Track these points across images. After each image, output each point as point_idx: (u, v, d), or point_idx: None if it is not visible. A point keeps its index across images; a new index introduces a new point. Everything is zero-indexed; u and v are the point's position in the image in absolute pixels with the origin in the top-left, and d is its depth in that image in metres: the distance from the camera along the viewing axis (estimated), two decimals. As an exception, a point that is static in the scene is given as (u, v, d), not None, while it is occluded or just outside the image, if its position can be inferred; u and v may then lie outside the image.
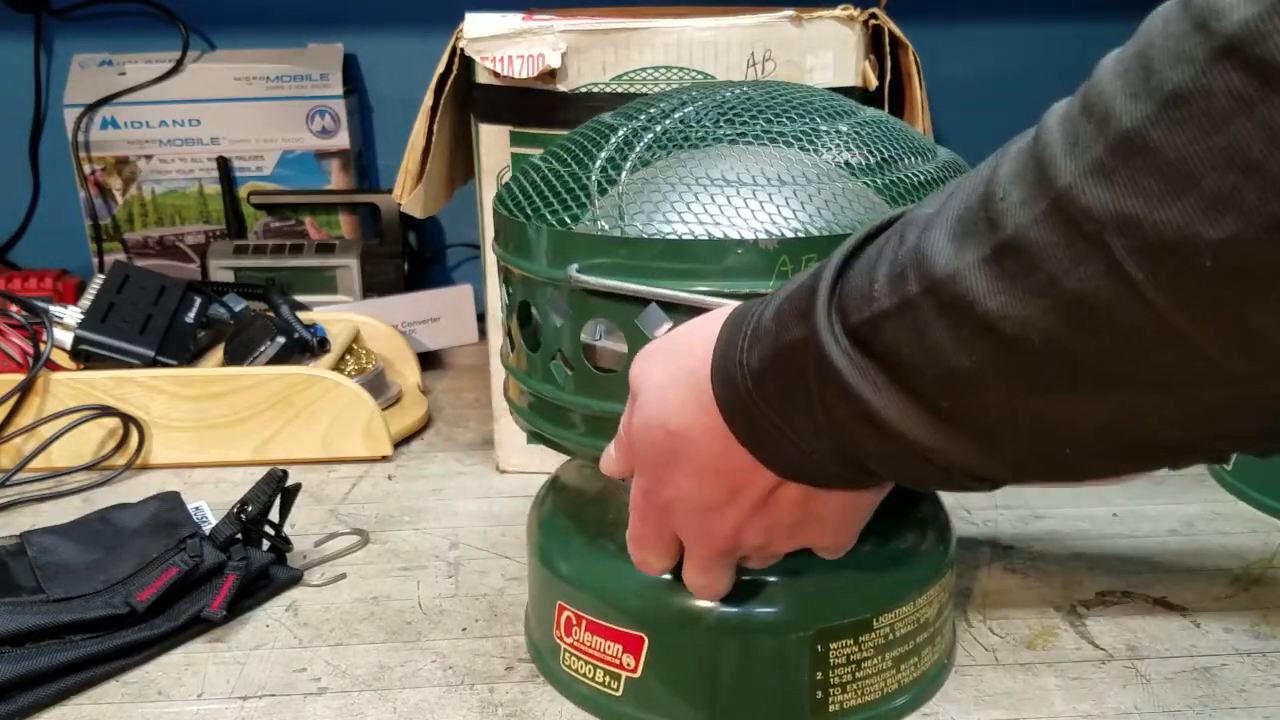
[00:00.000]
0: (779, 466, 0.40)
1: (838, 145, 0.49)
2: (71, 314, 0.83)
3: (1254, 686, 0.55)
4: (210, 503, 0.70)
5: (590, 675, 0.52)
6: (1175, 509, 0.73)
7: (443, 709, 0.54)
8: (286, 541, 0.66)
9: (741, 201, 0.46)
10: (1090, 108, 0.29)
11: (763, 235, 0.45)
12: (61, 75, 1.11)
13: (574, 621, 0.52)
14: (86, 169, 1.12)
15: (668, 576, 0.49)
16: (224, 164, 1.11)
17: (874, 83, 0.70)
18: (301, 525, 0.72)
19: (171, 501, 0.66)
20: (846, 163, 0.49)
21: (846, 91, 0.68)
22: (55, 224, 1.17)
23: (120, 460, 0.79)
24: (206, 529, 0.63)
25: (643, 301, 0.46)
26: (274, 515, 0.65)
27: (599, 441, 0.48)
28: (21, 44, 1.13)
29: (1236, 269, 0.27)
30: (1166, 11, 0.28)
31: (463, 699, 0.55)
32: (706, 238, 0.45)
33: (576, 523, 0.55)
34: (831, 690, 0.50)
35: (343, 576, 0.66)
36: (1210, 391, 0.30)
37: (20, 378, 0.78)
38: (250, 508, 0.63)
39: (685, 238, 0.45)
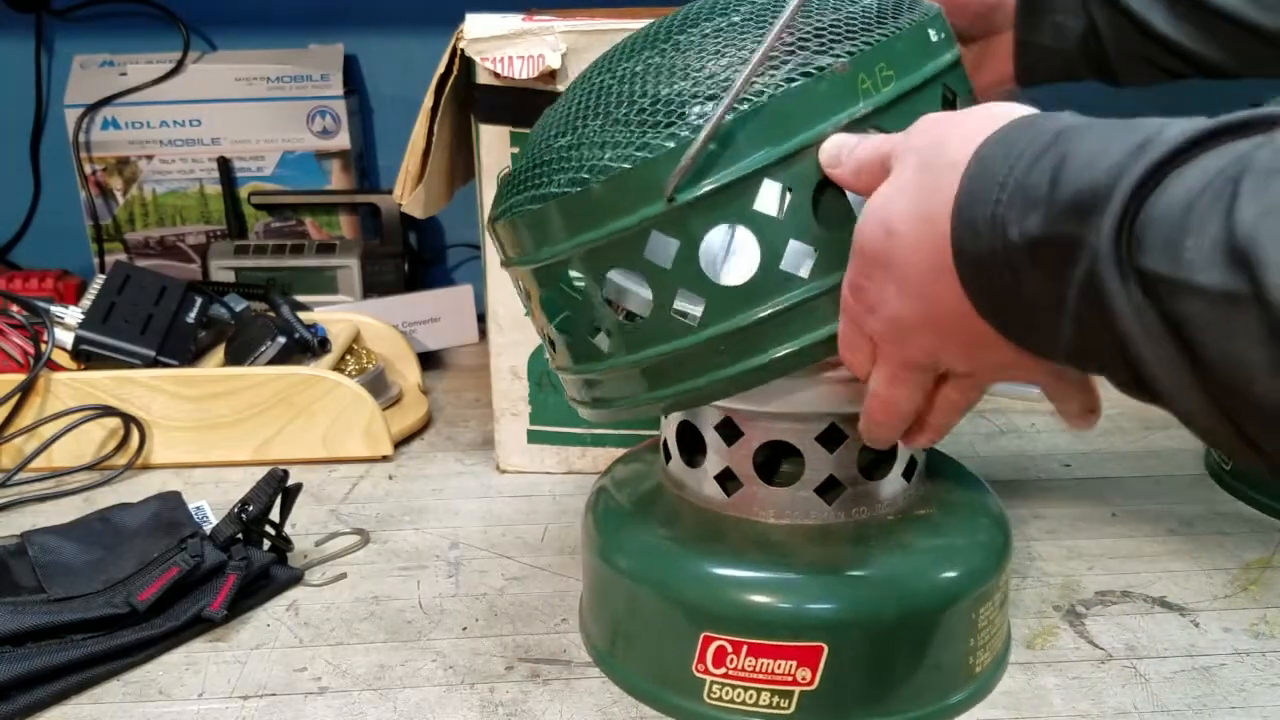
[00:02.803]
0: (999, 323, 0.37)
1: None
2: (72, 314, 0.83)
3: (1253, 686, 0.55)
4: (211, 503, 0.71)
5: (751, 701, 0.51)
6: (1175, 509, 0.73)
7: (443, 708, 0.54)
8: (287, 541, 0.66)
9: (787, 49, 0.44)
10: None
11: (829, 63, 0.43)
12: (62, 75, 1.11)
13: (729, 650, 0.51)
14: (87, 169, 1.12)
15: (846, 575, 0.50)
16: (225, 164, 1.11)
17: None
18: (302, 525, 0.72)
19: (172, 501, 0.67)
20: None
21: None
22: (56, 224, 1.18)
23: (121, 460, 0.79)
24: (207, 529, 0.63)
25: (752, 184, 0.44)
26: (275, 515, 0.65)
27: (745, 361, 0.46)
28: (22, 44, 1.13)
29: None
30: None
31: (463, 698, 0.55)
32: (782, 91, 0.43)
33: (698, 548, 0.53)
34: (978, 653, 0.53)
35: (343, 576, 0.66)
36: None
37: (21, 378, 0.78)
38: (251, 507, 0.63)
39: (766, 99, 0.43)
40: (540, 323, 0.52)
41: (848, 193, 0.44)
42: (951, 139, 0.38)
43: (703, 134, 0.42)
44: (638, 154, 0.44)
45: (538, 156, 0.49)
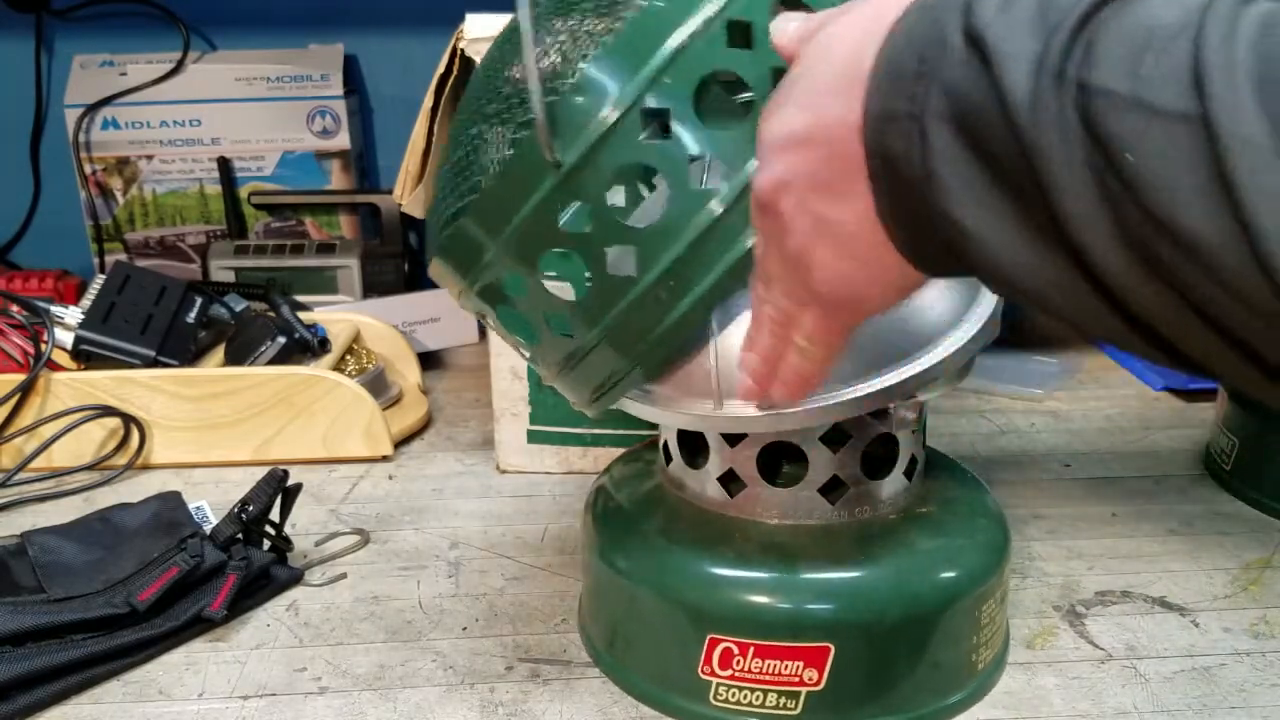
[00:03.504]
0: (870, 133, 0.34)
1: None
2: (72, 314, 0.83)
3: (1253, 686, 0.55)
4: (211, 503, 0.71)
5: (758, 702, 0.51)
6: (1175, 509, 0.73)
7: (443, 709, 0.54)
8: (287, 541, 0.66)
9: None
10: None
11: None
12: (62, 75, 1.11)
13: (735, 652, 0.51)
14: (87, 169, 1.12)
15: (853, 575, 0.50)
16: (225, 164, 1.11)
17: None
18: (302, 525, 0.72)
19: (172, 501, 0.67)
20: None
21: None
22: (56, 224, 1.18)
23: (121, 460, 0.79)
24: (207, 529, 0.63)
25: (630, 120, 0.43)
26: (275, 515, 0.65)
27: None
28: (22, 44, 1.13)
29: None
30: None
31: (463, 699, 0.55)
32: (623, 24, 0.43)
33: (703, 550, 0.52)
34: (980, 650, 0.53)
35: (343, 576, 0.66)
36: None
37: (21, 378, 0.78)
38: (251, 507, 0.63)
39: (612, 37, 0.43)
40: (516, 343, 0.52)
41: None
42: None
43: (534, 95, 0.42)
44: (516, 136, 0.45)
45: (442, 182, 0.49)
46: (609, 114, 0.43)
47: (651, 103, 0.43)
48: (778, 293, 0.42)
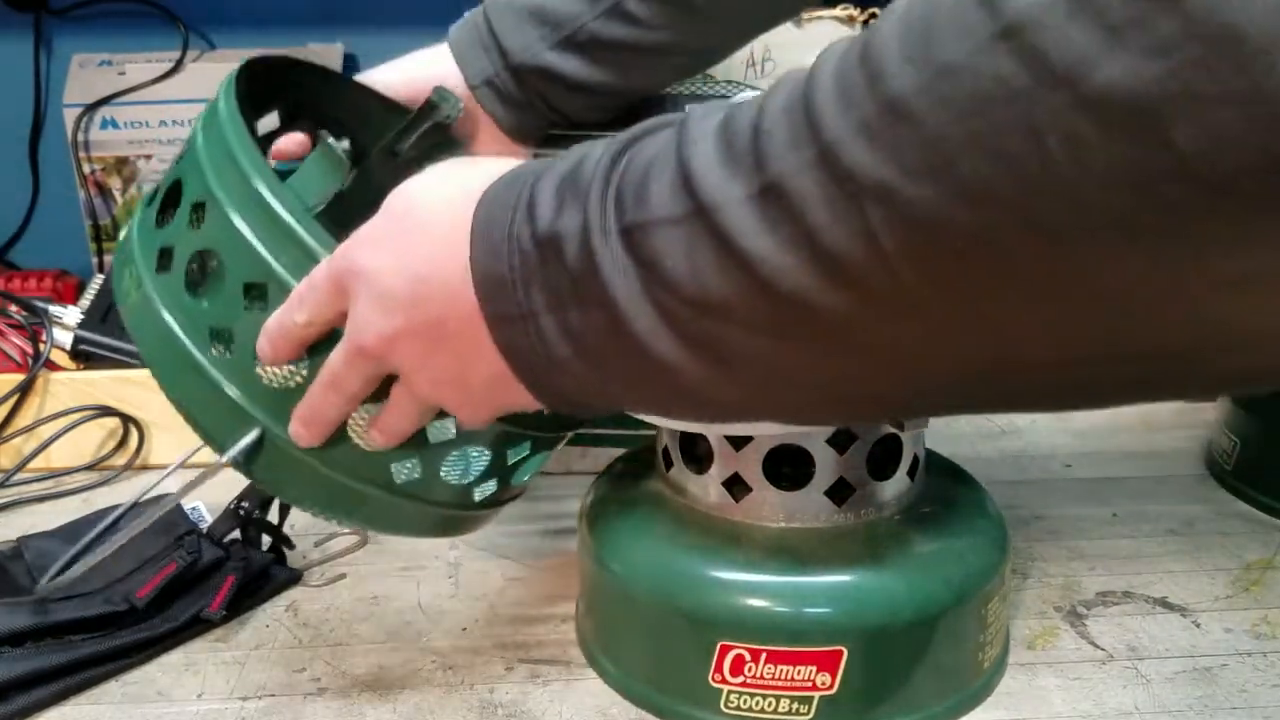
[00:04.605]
0: (497, 334, 0.38)
1: None
2: (71, 314, 0.83)
3: (1254, 687, 0.55)
4: (208, 503, 0.70)
5: (770, 708, 0.51)
6: (1175, 509, 0.73)
7: (443, 709, 0.54)
8: (286, 541, 0.66)
9: None
10: (867, 60, 0.28)
11: None
12: (61, 75, 1.11)
13: (747, 658, 0.50)
14: (86, 169, 1.12)
15: (864, 576, 0.50)
16: (224, 164, 1.11)
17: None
18: (301, 525, 0.71)
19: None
20: None
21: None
22: (55, 224, 1.17)
23: (120, 460, 0.79)
24: (204, 528, 0.63)
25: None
26: (274, 515, 0.65)
27: None
28: (21, 44, 1.13)
29: (985, 257, 0.27)
30: None
31: (463, 699, 0.54)
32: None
33: (711, 556, 0.52)
34: (985, 649, 0.53)
35: (343, 576, 0.66)
36: (935, 365, 0.31)
37: (20, 378, 0.78)
38: (247, 503, 0.63)
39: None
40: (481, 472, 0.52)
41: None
42: (466, 186, 0.40)
43: None
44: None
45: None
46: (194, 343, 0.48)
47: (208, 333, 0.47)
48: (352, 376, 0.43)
